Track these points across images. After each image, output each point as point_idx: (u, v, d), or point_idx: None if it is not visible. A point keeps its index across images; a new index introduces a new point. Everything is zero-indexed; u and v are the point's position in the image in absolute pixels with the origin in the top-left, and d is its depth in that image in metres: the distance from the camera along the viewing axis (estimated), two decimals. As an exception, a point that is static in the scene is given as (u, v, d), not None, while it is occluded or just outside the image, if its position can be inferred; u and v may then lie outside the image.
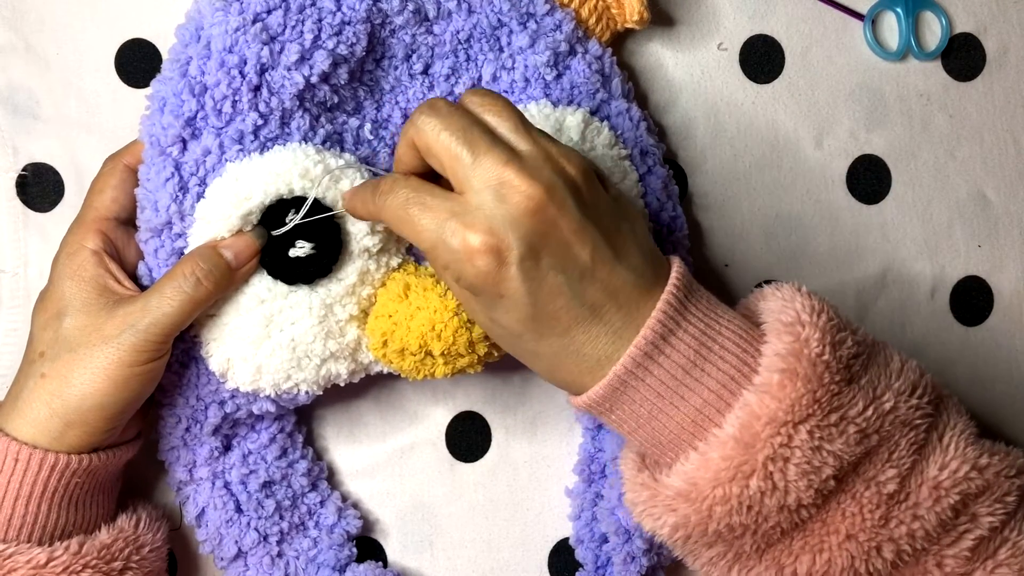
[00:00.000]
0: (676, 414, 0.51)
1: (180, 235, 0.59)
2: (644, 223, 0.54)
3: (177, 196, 0.58)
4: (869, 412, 0.51)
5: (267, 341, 0.59)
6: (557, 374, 0.53)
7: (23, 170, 0.67)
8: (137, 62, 0.67)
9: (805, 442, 0.49)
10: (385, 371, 0.62)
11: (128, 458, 0.61)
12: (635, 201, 0.55)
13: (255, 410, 0.62)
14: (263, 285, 0.58)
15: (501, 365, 0.67)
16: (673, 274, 0.52)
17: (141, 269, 0.60)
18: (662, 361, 0.51)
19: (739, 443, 0.49)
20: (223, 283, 0.57)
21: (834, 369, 0.50)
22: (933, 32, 0.72)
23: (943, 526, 0.52)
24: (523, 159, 0.50)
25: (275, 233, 0.58)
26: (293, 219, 0.57)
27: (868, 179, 0.71)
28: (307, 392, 0.61)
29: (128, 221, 0.61)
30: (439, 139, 0.51)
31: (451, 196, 0.51)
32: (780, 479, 0.50)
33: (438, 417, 0.69)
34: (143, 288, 0.59)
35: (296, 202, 0.57)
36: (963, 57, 0.72)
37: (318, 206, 0.58)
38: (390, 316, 0.59)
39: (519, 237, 0.49)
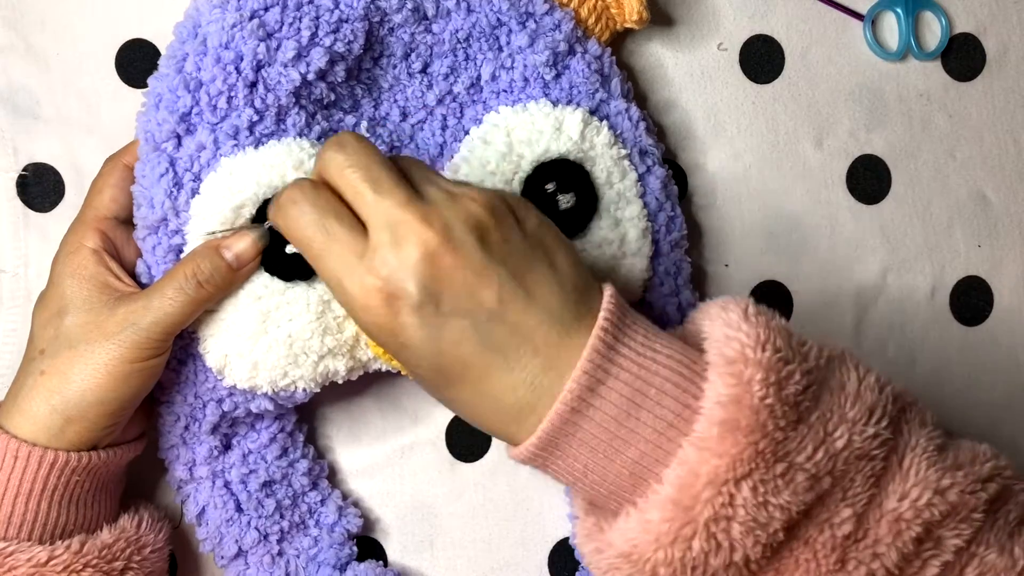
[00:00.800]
0: (613, 467, 0.48)
1: (177, 231, 0.59)
2: (570, 254, 0.51)
3: (172, 192, 0.58)
4: (819, 455, 0.47)
5: (264, 337, 0.59)
6: (482, 422, 0.50)
7: (23, 170, 0.67)
8: (137, 62, 0.67)
9: (748, 499, 0.46)
10: (384, 369, 0.62)
11: (130, 458, 0.61)
12: (558, 235, 0.51)
13: (253, 408, 0.62)
14: (260, 281, 0.58)
15: (501, 365, 0.68)
16: (602, 314, 0.48)
17: (139, 267, 0.60)
18: (592, 414, 0.47)
19: (678, 505, 0.46)
20: (224, 284, 0.57)
21: (779, 414, 0.46)
22: (933, 32, 0.72)
23: (905, 559, 0.49)
24: (424, 200, 0.49)
25: (267, 225, 0.57)
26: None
27: (868, 179, 0.71)
28: (305, 390, 0.61)
29: (127, 220, 0.61)
30: (343, 175, 0.49)
31: (355, 229, 0.49)
32: (724, 539, 0.46)
33: (438, 417, 0.69)
34: (142, 286, 0.60)
35: None
36: (963, 57, 0.72)
37: None
38: None
39: (416, 283, 0.47)
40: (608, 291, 0.50)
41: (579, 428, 0.47)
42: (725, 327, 0.48)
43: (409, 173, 0.50)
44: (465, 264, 0.47)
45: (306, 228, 0.50)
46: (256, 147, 0.58)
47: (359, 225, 0.49)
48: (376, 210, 0.48)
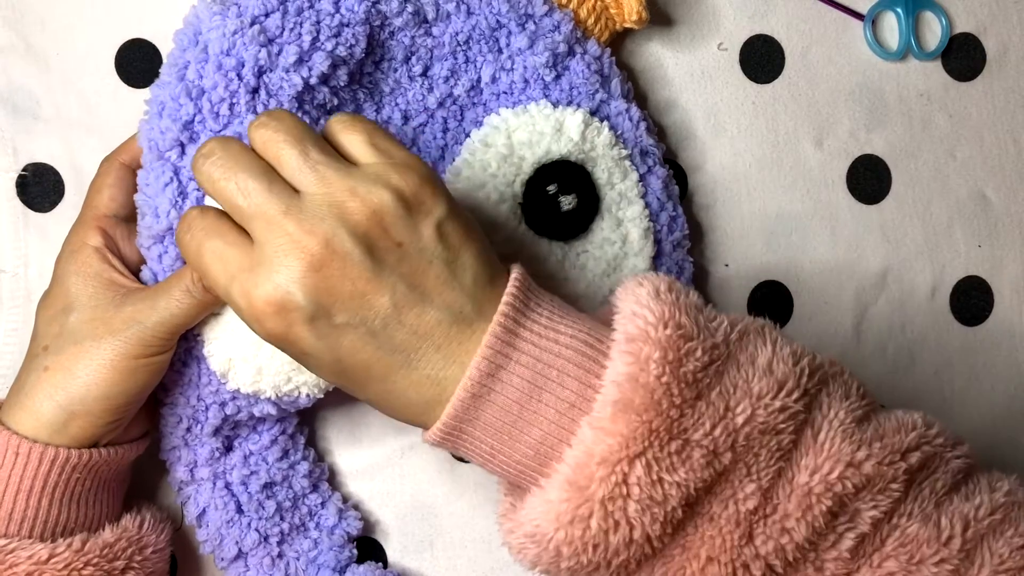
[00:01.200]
0: (518, 448, 0.48)
1: None
2: (474, 246, 0.50)
3: (177, 201, 0.58)
4: (717, 431, 0.47)
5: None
6: (396, 416, 0.51)
7: (23, 170, 0.67)
8: (137, 62, 0.67)
9: (642, 477, 0.46)
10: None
11: (133, 457, 0.61)
12: (464, 225, 0.50)
13: (256, 412, 0.62)
14: None
15: (501, 365, 0.68)
16: (504, 300, 0.49)
17: (146, 275, 0.60)
18: (493, 398, 0.48)
19: (574, 485, 0.46)
20: None
21: (675, 392, 0.47)
22: (933, 32, 0.72)
23: (817, 533, 0.49)
24: (302, 206, 0.47)
25: None
26: None
27: (868, 179, 0.71)
28: (308, 395, 0.61)
29: (127, 218, 0.61)
30: (216, 190, 0.49)
31: (245, 244, 0.49)
32: (621, 517, 0.47)
33: (438, 417, 0.69)
34: None
35: None
36: (963, 57, 0.72)
37: None
38: None
39: (305, 295, 0.47)
40: (514, 275, 0.50)
41: (481, 412, 0.48)
42: (635, 303, 0.49)
43: (283, 164, 0.49)
44: (353, 273, 0.47)
45: (196, 253, 0.49)
46: None
47: (248, 239, 0.49)
48: (254, 224, 0.48)
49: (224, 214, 0.50)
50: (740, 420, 0.48)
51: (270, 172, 0.49)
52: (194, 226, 0.50)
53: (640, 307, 0.48)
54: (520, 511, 0.49)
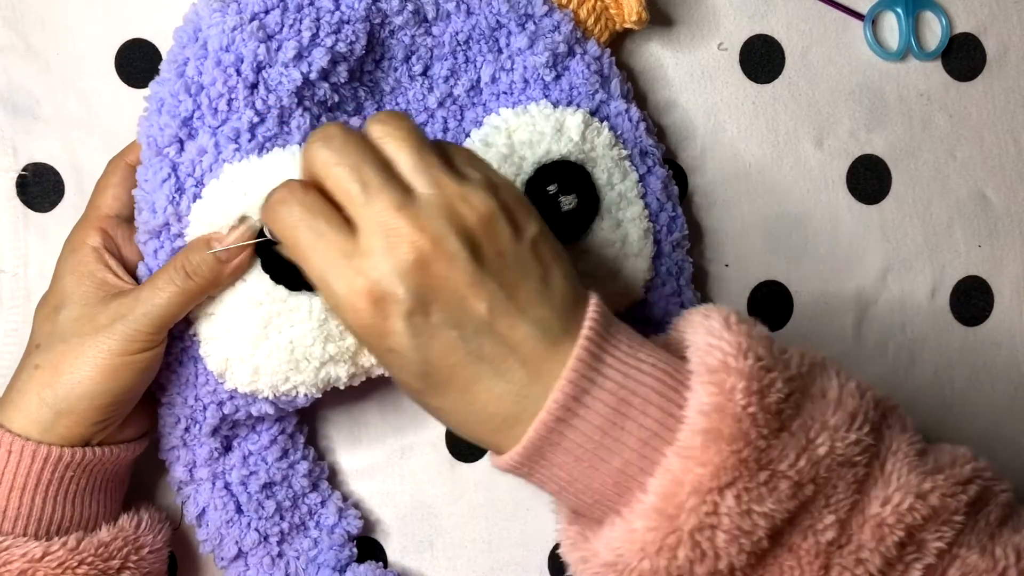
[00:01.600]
0: (597, 477, 0.48)
1: (179, 235, 0.59)
2: (563, 266, 0.50)
3: (174, 198, 0.58)
4: (802, 462, 0.47)
5: (265, 342, 0.59)
6: (466, 431, 0.50)
7: (23, 170, 0.67)
8: (137, 62, 0.67)
9: (732, 508, 0.46)
10: (387, 374, 0.62)
11: (130, 458, 0.61)
12: (554, 245, 0.50)
13: (254, 412, 0.62)
14: (261, 288, 0.58)
15: (501, 365, 0.67)
16: (587, 323, 0.48)
17: (141, 270, 0.60)
18: (577, 423, 0.47)
19: (662, 514, 0.46)
20: (212, 277, 0.57)
21: (761, 422, 0.47)
22: (933, 32, 0.72)
23: (888, 564, 0.49)
24: (416, 204, 0.47)
25: (267, 237, 0.58)
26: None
27: (868, 179, 0.71)
28: (306, 395, 0.61)
29: (130, 219, 0.61)
30: (331, 173, 0.48)
31: (346, 230, 0.48)
32: (709, 547, 0.46)
33: (438, 418, 0.69)
34: None
35: None
36: (963, 57, 0.72)
37: None
38: None
39: (407, 290, 0.46)
40: (593, 301, 0.49)
41: (564, 437, 0.47)
42: (707, 335, 0.48)
43: (398, 163, 0.49)
44: (457, 275, 0.47)
45: (294, 228, 0.49)
46: (259, 153, 0.58)
47: (348, 226, 0.48)
48: (366, 213, 0.47)
49: (326, 197, 0.49)
50: (822, 451, 0.48)
51: (387, 167, 0.48)
52: (294, 201, 0.49)
53: (715, 339, 0.48)
54: (595, 540, 0.49)
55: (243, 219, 0.58)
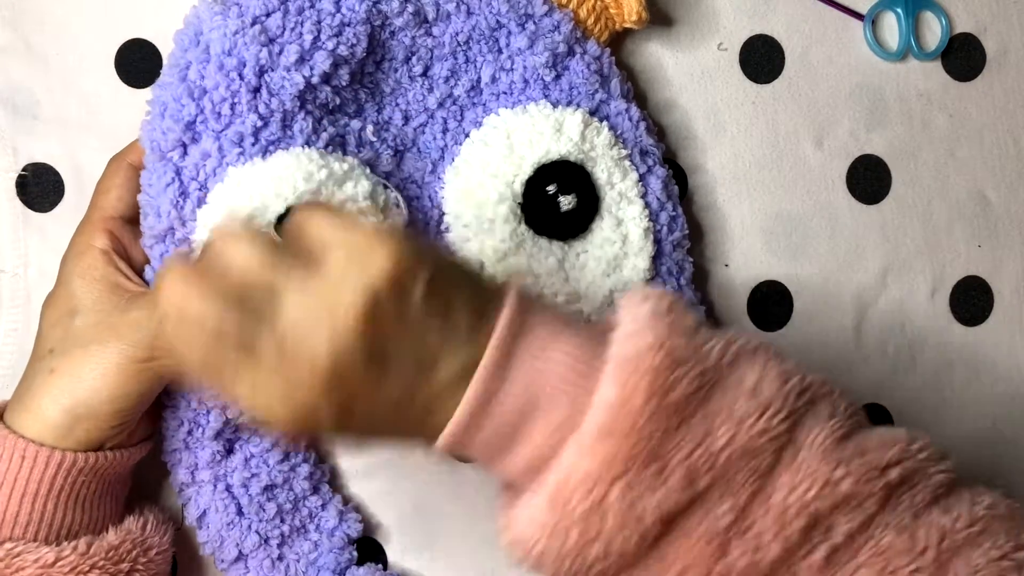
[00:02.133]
0: (512, 461, 0.50)
1: (184, 240, 0.59)
2: (464, 286, 0.50)
3: (178, 202, 0.58)
4: (697, 454, 0.48)
5: None
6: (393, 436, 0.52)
7: (23, 170, 0.67)
8: (137, 62, 0.67)
9: (619, 498, 0.48)
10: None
11: (136, 460, 0.61)
12: (445, 274, 0.49)
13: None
14: None
15: (501, 365, 0.67)
16: (495, 333, 0.49)
17: (148, 274, 0.60)
18: (487, 421, 0.49)
19: (555, 501, 0.48)
20: None
21: (659, 419, 0.48)
22: (933, 32, 0.72)
23: (790, 550, 0.50)
24: (294, 336, 0.46)
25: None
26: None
27: (868, 179, 0.71)
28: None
29: (134, 220, 0.61)
30: (198, 353, 0.47)
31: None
32: (598, 533, 0.48)
33: (438, 417, 0.69)
34: None
35: None
36: (963, 57, 0.72)
37: None
38: None
39: (327, 416, 0.47)
40: (507, 303, 0.50)
41: (480, 429, 0.49)
42: (632, 322, 0.50)
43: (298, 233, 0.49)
44: (366, 383, 0.47)
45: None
46: (263, 156, 0.58)
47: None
48: (252, 360, 0.47)
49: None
50: (720, 443, 0.49)
51: (241, 305, 0.47)
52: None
53: (637, 327, 0.49)
54: (511, 513, 0.51)
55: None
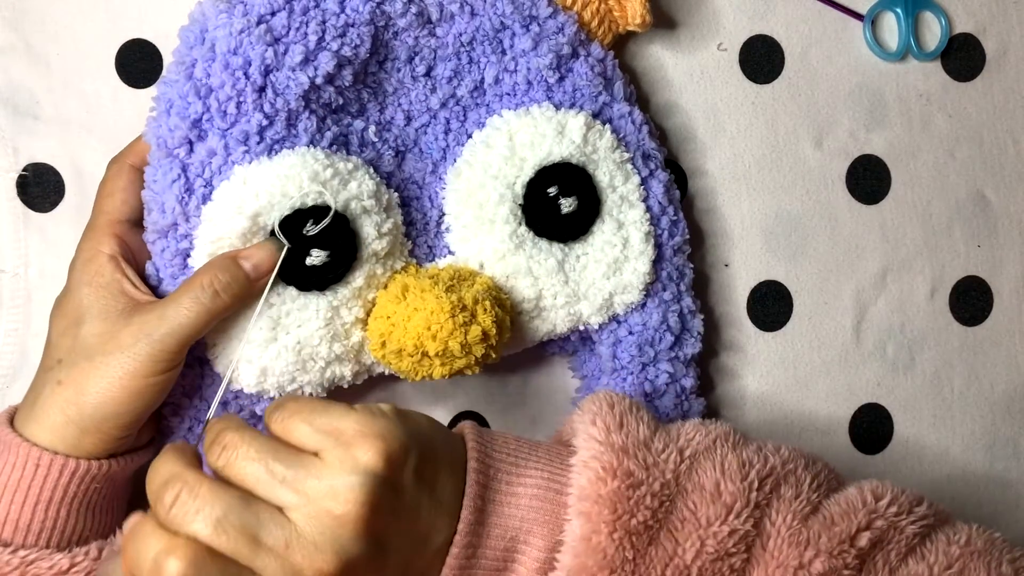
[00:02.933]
0: None
1: (186, 236, 0.59)
2: (443, 459, 0.51)
3: (183, 198, 0.58)
4: (669, 572, 0.50)
5: (273, 344, 0.59)
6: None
7: (24, 170, 0.67)
8: (138, 62, 0.67)
9: None
10: (387, 372, 0.62)
11: (141, 463, 0.61)
12: (426, 438, 0.51)
13: (258, 411, 0.62)
14: (273, 289, 0.58)
15: (501, 366, 0.68)
16: (466, 492, 0.51)
17: (149, 269, 0.60)
18: (477, 567, 0.51)
19: None
20: (242, 294, 0.57)
21: (627, 546, 0.50)
22: (933, 32, 0.72)
23: None
24: (297, 532, 0.46)
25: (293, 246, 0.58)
26: (310, 229, 0.57)
27: (868, 179, 0.72)
28: (311, 395, 0.61)
29: (140, 222, 0.61)
30: (204, 534, 0.46)
31: None
32: None
33: (438, 417, 0.69)
34: (153, 290, 0.60)
35: (312, 212, 0.57)
36: (963, 57, 0.72)
37: (330, 213, 0.57)
38: (388, 317, 0.59)
39: None
40: (470, 460, 0.52)
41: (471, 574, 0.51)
42: (587, 446, 0.52)
43: (280, 436, 0.49)
44: (369, 570, 0.48)
45: None
46: (269, 155, 0.58)
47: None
48: (260, 562, 0.46)
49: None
50: (690, 556, 0.51)
51: (246, 499, 0.47)
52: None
53: (591, 452, 0.52)
54: None
55: (269, 235, 0.58)
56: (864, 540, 0.52)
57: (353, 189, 0.58)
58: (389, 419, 0.50)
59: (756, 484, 0.53)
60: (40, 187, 0.67)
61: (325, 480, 0.47)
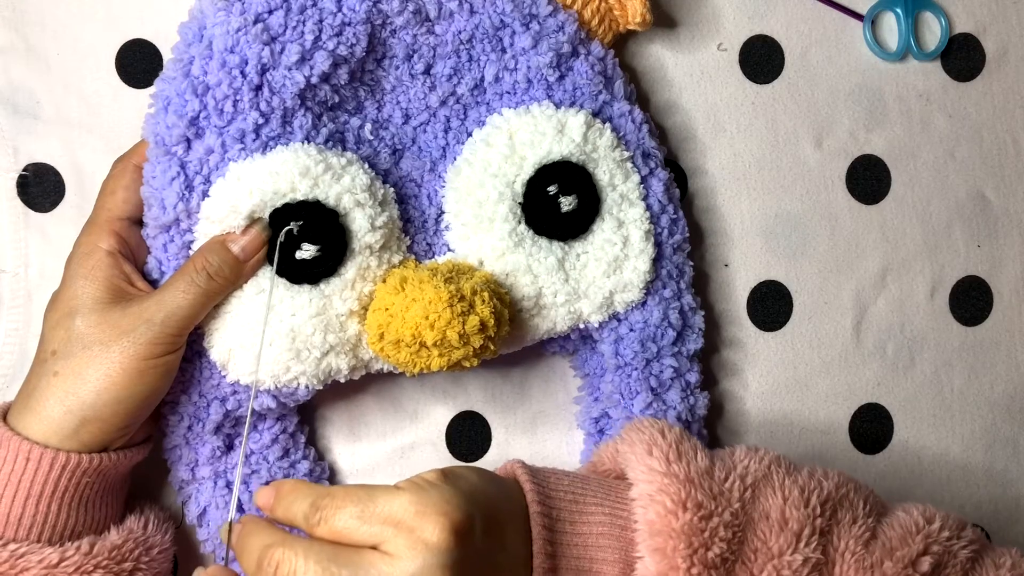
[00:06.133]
0: None
1: (187, 231, 0.59)
2: (508, 515, 0.50)
3: (184, 195, 0.58)
4: None
5: (267, 330, 0.59)
6: None
7: (24, 170, 0.67)
8: (138, 62, 0.67)
9: None
10: (386, 369, 0.62)
11: (137, 460, 0.61)
12: (487, 498, 0.50)
13: (255, 406, 0.62)
14: (265, 276, 0.59)
15: (500, 364, 0.68)
16: (534, 537, 0.50)
17: (151, 263, 0.60)
18: None
19: None
20: (233, 276, 0.58)
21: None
22: (933, 32, 0.72)
23: None
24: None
25: (282, 239, 0.58)
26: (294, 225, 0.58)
27: (868, 179, 0.72)
28: (307, 386, 0.61)
29: (140, 221, 0.61)
30: None
31: None
32: None
33: (438, 416, 0.69)
34: (154, 284, 0.60)
35: (300, 207, 0.58)
36: (963, 57, 0.72)
37: (321, 208, 0.58)
38: (386, 309, 0.59)
39: None
40: (531, 505, 0.51)
41: None
42: (646, 475, 0.51)
43: (321, 527, 0.48)
44: None
45: None
46: (263, 152, 0.58)
47: None
48: None
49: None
50: None
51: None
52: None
53: (655, 487, 0.50)
54: None
55: (256, 219, 0.58)
56: (926, 565, 0.52)
57: (346, 183, 0.59)
58: (441, 488, 0.48)
59: (818, 510, 0.52)
60: (40, 187, 0.67)
61: (399, 571, 0.46)
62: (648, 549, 0.49)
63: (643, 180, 0.64)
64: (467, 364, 0.60)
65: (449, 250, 0.63)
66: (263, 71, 0.57)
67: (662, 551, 0.49)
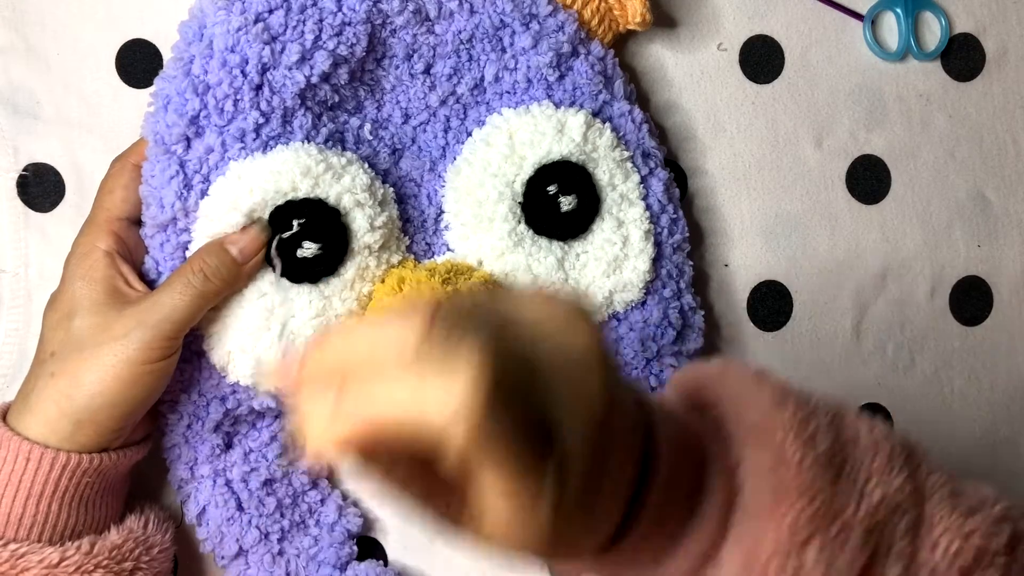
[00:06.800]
0: (671, 565, 0.45)
1: (185, 230, 0.59)
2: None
3: (182, 194, 0.58)
4: (862, 511, 0.45)
5: (266, 333, 0.59)
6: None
7: (24, 170, 0.67)
8: (138, 62, 0.67)
9: (816, 563, 0.44)
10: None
11: (137, 459, 0.61)
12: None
13: (255, 406, 0.62)
14: (266, 279, 0.59)
15: (501, 365, 0.68)
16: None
17: (148, 263, 0.60)
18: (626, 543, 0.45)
19: None
20: (230, 278, 0.58)
21: (819, 471, 0.45)
22: (933, 32, 0.72)
23: None
24: None
25: (284, 235, 0.58)
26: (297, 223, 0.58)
27: (868, 179, 0.72)
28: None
29: (139, 221, 0.61)
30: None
31: None
32: None
33: (439, 417, 0.69)
34: (151, 284, 0.60)
35: (302, 205, 0.58)
36: (963, 57, 0.72)
37: (322, 207, 0.58)
38: (384, 309, 0.59)
39: None
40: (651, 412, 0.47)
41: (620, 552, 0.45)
42: (739, 387, 0.47)
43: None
44: None
45: None
46: (264, 151, 0.58)
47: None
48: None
49: None
50: (876, 498, 0.46)
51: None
52: None
53: (746, 391, 0.47)
54: None
55: (256, 220, 0.58)
56: (1007, 530, 0.48)
57: (346, 183, 0.59)
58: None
59: (899, 446, 0.48)
60: (40, 187, 0.67)
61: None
62: (750, 445, 0.45)
63: (643, 180, 0.64)
64: None
65: (449, 250, 0.63)
66: (264, 70, 0.57)
67: (768, 441, 0.45)
